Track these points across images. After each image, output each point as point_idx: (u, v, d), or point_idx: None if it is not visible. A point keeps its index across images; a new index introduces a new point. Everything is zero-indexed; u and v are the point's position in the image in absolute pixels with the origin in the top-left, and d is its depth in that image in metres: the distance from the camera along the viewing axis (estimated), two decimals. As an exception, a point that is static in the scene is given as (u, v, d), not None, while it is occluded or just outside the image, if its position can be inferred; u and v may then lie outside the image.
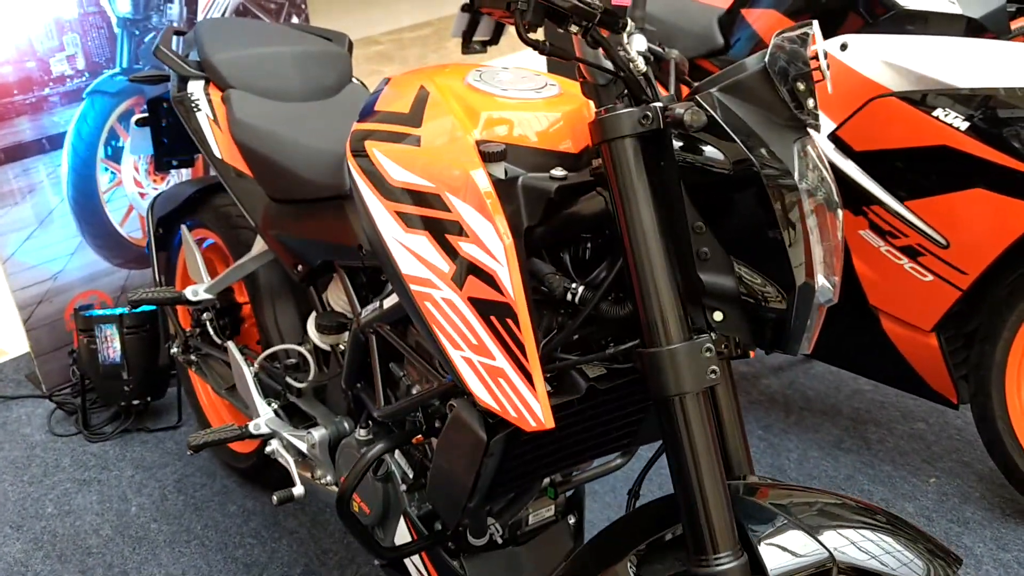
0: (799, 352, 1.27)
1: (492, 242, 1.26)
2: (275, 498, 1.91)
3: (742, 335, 1.26)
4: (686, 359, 1.20)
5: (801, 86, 1.21)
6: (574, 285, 1.33)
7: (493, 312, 1.28)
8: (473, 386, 1.32)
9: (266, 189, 1.93)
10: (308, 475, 1.99)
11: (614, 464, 1.85)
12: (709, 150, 1.21)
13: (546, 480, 1.75)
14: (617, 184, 1.22)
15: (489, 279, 1.27)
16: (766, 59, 1.19)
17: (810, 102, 1.23)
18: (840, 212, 1.27)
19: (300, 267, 1.92)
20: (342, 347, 1.92)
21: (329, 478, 1.94)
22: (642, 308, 1.23)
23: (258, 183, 1.94)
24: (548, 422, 1.26)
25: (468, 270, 1.29)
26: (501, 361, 1.28)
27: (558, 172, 1.35)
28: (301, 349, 2.05)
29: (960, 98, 1.93)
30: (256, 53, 2.09)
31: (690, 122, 1.16)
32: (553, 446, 1.52)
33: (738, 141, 1.18)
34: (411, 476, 1.73)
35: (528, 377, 1.26)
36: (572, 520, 1.82)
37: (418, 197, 1.33)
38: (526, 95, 1.45)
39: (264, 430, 2.05)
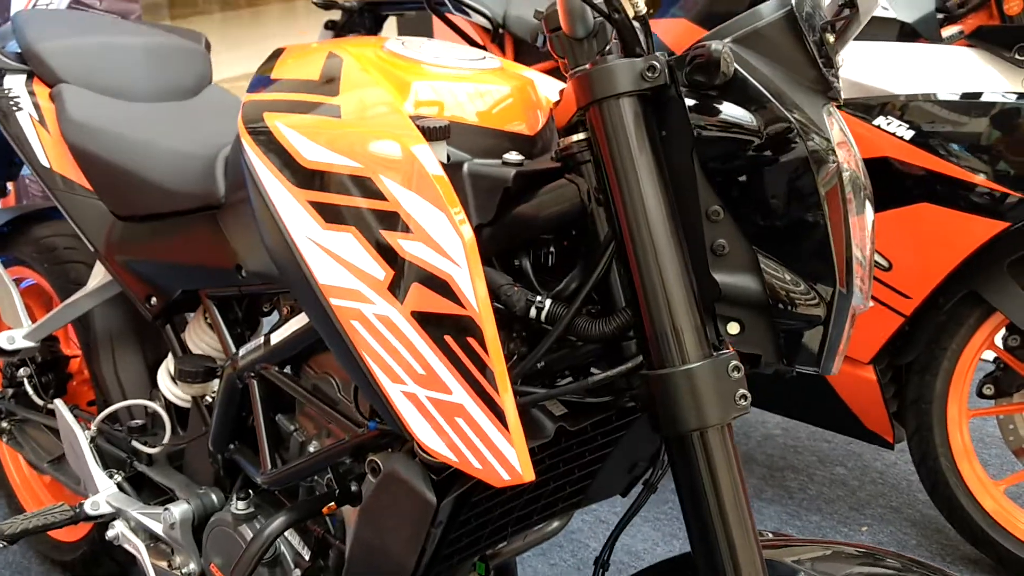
0: (833, 370, 1.02)
1: (445, 237, 0.95)
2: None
3: (765, 351, 0.99)
4: (709, 381, 0.93)
5: (830, 38, 0.98)
6: (539, 298, 1.03)
7: (448, 330, 0.96)
8: (418, 430, 0.99)
9: (110, 204, 1.54)
10: (164, 564, 1.58)
11: (551, 528, 1.54)
12: (726, 115, 0.95)
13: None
14: (612, 158, 0.95)
15: (442, 287, 0.95)
16: (792, 2, 0.95)
17: (839, 59, 1.00)
18: (871, 203, 1.04)
19: (154, 300, 1.54)
20: (209, 398, 1.54)
21: (193, 566, 1.53)
22: (648, 317, 0.95)
23: (99, 197, 1.55)
24: (528, 474, 0.95)
25: (412, 276, 0.97)
26: (460, 395, 0.96)
27: (513, 156, 1.06)
28: (152, 405, 1.64)
29: (902, 106, 1.78)
30: (96, 43, 1.71)
31: (725, 69, 0.90)
32: (506, 507, 1.21)
33: (772, 98, 0.93)
34: (306, 558, 1.36)
35: (498, 414, 0.95)
36: None
37: (341, 182, 1.00)
38: (463, 65, 1.16)
39: (105, 509, 1.62)
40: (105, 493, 1.63)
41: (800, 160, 0.93)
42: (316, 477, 1.32)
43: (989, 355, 2.04)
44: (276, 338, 1.32)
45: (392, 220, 0.98)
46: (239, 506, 1.41)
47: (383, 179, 0.98)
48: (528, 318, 1.03)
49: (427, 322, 0.97)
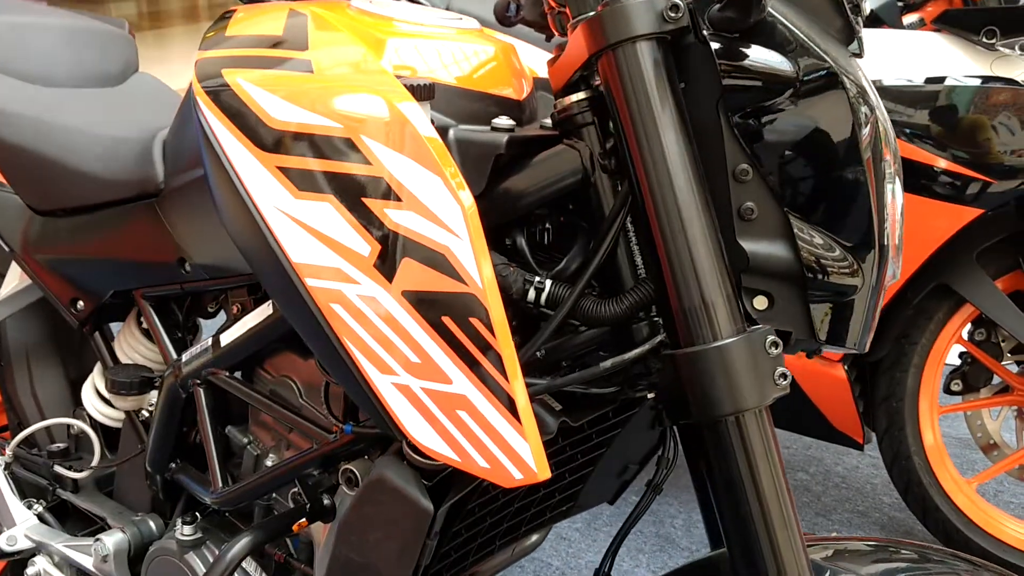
0: (865, 347, 0.92)
1: (441, 204, 0.83)
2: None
3: (796, 327, 0.89)
4: (745, 359, 0.83)
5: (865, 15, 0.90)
6: (538, 279, 0.92)
7: (446, 310, 0.84)
8: (412, 427, 0.86)
9: (28, 198, 1.37)
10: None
11: (530, 542, 1.41)
12: (755, 60, 0.86)
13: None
14: (630, 112, 0.84)
15: (438, 261, 0.83)
16: None
17: (865, 6, 0.92)
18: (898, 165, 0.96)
19: (81, 304, 1.37)
20: (145, 412, 1.37)
21: (129, 601, 1.36)
22: (674, 290, 0.84)
23: (14, 190, 1.38)
24: (543, 472, 0.83)
25: (402, 251, 0.84)
26: (462, 384, 0.84)
27: (503, 121, 0.95)
28: (77, 423, 1.47)
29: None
30: (8, 23, 1.54)
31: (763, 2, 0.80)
32: (498, 516, 1.08)
33: (808, 41, 0.84)
34: (265, 584, 1.21)
35: (507, 405, 0.83)
36: None
37: (316, 144, 0.87)
38: (442, 23, 1.04)
39: (24, 544, 1.43)
40: (23, 526, 1.44)
41: (842, 109, 0.84)
42: (276, 494, 1.18)
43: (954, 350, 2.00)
44: (227, 339, 1.17)
45: (377, 186, 0.85)
46: (185, 531, 1.24)
47: (365, 140, 0.86)
48: (526, 301, 0.92)
49: (421, 302, 0.84)
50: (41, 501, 1.48)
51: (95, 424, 1.50)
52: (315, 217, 0.87)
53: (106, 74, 1.60)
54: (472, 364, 0.83)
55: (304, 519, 1.04)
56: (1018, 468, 2.00)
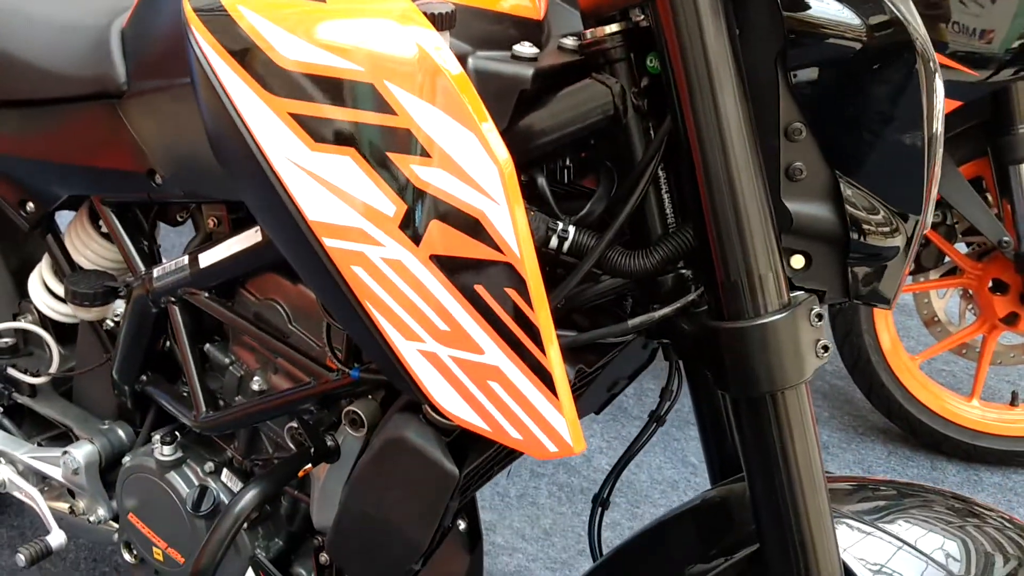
0: (893, 305, 0.91)
1: (475, 163, 0.76)
2: (21, 558, 1.27)
3: (831, 287, 0.87)
4: (790, 334, 0.80)
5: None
6: (561, 226, 0.86)
7: (479, 278, 0.78)
8: (438, 395, 0.82)
9: (-40, 87, 1.23)
10: (64, 507, 1.36)
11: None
12: (819, 10, 0.79)
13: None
14: (684, 58, 0.77)
15: (471, 226, 0.77)
16: None
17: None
18: None
19: (31, 206, 1.26)
20: (110, 323, 1.29)
21: (102, 512, 1.33)
22: (720, 260, 0.80)
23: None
24: (579, 445, 0.81)
25: (431, 212, 0.78)
26: (494, 355, 0.79)
27: (525, 49, 0.86)
28: (30, 327, 1.38)
29: None
30: None
31: None
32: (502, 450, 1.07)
33: (881, -6, 0.77)
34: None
35: (543, 377, 0.79)
36: (463, 525, 1.37)
37: (333, 89, 0.78)
38: None
39: (-17, 452, 1.37)
40: (-19, 434, 1.37)
41: (908, 67, 0.78)
42: (269, 427, 1.13)
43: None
44: (207, 260, 1.10)
45: (404, 140, 0.77)
46: (164, 452, 1.20)
47: (390, 86, 0.77)
48: (547, 248, 0.86)
49: (452, 268, 0.79)
50: (-3, 408, 1.41)
51: (45, 321, 1.41)
52: (334, 172, 0.79)
53: None
54: (506, 335, 0.78)
55: (310, 464, 1.00)
56: (960, 346, 2.08)
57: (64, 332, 1.42)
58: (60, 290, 1.34)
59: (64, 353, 1.38)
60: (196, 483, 1.20)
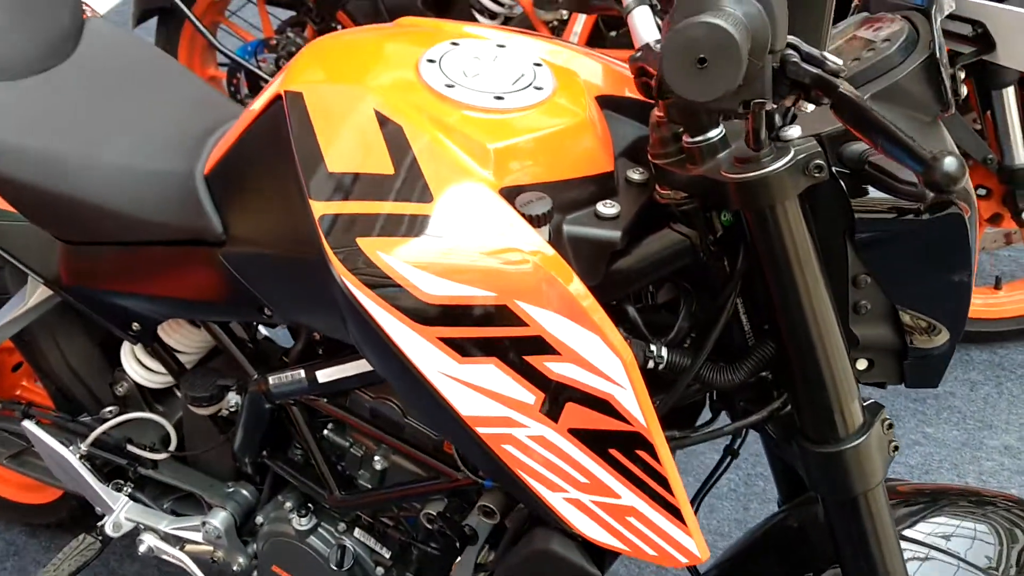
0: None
1: (601, 359, 0.90)
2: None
3: (889, 379, 1.04)
4: (871, 450, 0.97)
5: (961, 73, 0.94)
6: (654, 349, 1.01)
7: (612, 444, 0.94)
8: (582, 527, 1.00)
9: (52, 232, 1.31)
10: (207, 557, 1.54)
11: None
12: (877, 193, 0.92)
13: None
14: (775, 256, 0.90)
15: (601, 405, 0.92)
16: (936, 50, 0.89)
17: (963, 89, 0.96)
18: None
19: (137, 326, 1.37)
20: (225, 412, 1.42)
21: (242, 560, 1.51)
22: (803, 392, 0.96)
23: (34, 224, 1.31)
24: (704, 554, 0.99)
25: (566, 397, 0.93)
26: (630, 499, 0.96)
27: (608, 209, 0.98)
28: (147, 415, 1.51)
29: None
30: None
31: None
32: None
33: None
34: (387, 556, 1.37)
35: (675, 514, 0.97)
36: None
37: (473, 314, 0.91)
38: (522, 97, 1.02)
39: (129, 527, 1.54)
40: (122, 511, 1.53)
41: (958, 228, 0.92)
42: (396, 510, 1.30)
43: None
44: (326, 377, 1.23)
45: (537, 344, 0.91)
46: (301, 522, 1.38)
47: (520, 304, 0.90)
48: (644, 371, 1.02)
49: (588, 438, 0.94)
50: (127, 483, 1.56)
51: (143, 389, 1.55)
52: (481, 377, 0.93)
53: (61, 37, 1.44)
54: (639, 484, 0.95)
55: (458, 557, 1.19)
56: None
57: (155, 395, 1.57)
58: (150, 362, 1.48)
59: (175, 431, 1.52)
60: (333, 542, 1.38)
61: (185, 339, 1.45)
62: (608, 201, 0.99)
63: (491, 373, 0.93)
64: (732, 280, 0.98)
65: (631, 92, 1.13)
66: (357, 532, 1.39)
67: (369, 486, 1.32)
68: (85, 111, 1.32)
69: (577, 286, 0.90)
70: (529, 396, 0.93)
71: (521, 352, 0.91)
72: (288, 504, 1.41)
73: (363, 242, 0.92)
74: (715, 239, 0.98)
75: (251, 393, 1.33)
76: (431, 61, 1.04)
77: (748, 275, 0.98)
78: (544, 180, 0.98)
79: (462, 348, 0.92)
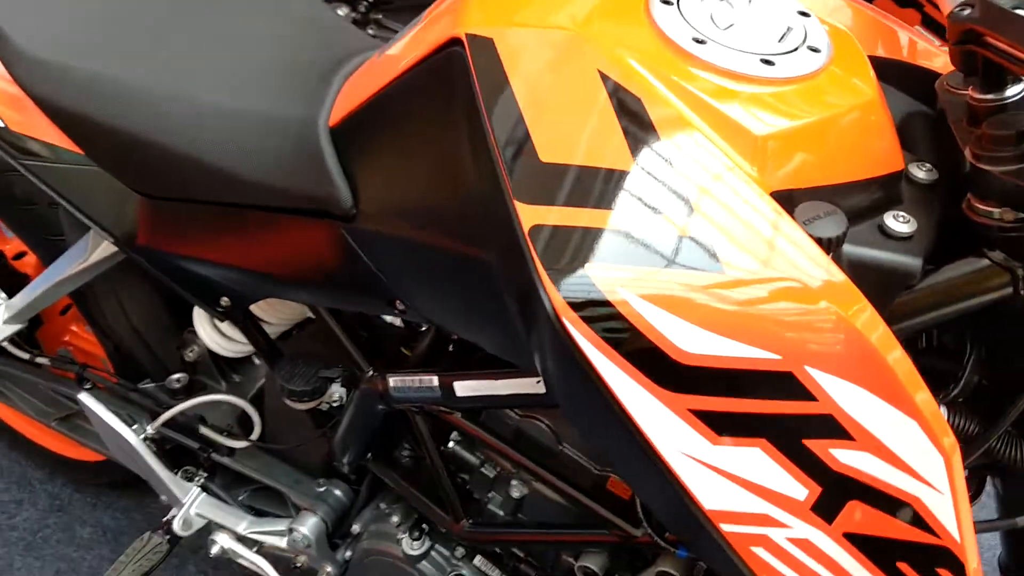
0: None
1: (913, 451, 0.65)
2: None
3: None
4: None
5: None
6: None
7: (904, 557, 0.69)
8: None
9: (127, 180, 1.05)
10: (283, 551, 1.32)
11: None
12: None
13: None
14: None
15: (898, 508, 0.67)
16: None
17: None
18: None
19: (227, 301, 1.11)
20: (324, 406, 1.18)
21: (330, 569, 1.29)
22: None
23: (111, 174, 1.05)
24: None
25: (849, 493, 0.67)
26: (914, 621, 0.72)
27: (900, 224, 0.72)
28: (236, 401, 1.27)
29: None
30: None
31: None
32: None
33: None
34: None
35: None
36: None
37: (744, 381, 0.64)
38: (796, 62, 0.74)
39: (199, 524, 1.31)
40: (193, 505, 1.30)
41: None
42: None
43: None
44: (465, 391, 0.99)
45: (823, 425, 0.65)
46: (413, 546, 1.15)
47: (810, 371, 0.64)
48: None
49: (870, 547, 0.69)
50: (199, 471, 1.33)
51: (215, 356, 1.32)
52: (739, 464, 0.67)
53: None
54: (931, 607, 0.70)
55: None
56: None
57: (228, 363, 1.34)
58: (229, 329, 1.24)
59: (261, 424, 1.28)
60: (449, 570, 1.16)
61: (277, 312, 1.20)
62: (900, 214, 0.73)
63: (754, 458, 0.67)
64: None
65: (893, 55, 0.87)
66: (478, 560, 1.16)
67: (500, 512, 1.08)
68: (174, 31, 1.04)
69: (895, 352, 0.63)
70: (801, 490, 0.68)
71: (801, 435, 0.66)
72: (395, 519, 1.18)
73: (596, 272, 0.65)
74: None
75: (363, 390, 1.09)
76: (666, 2, 0.76)
77: None
78: (822, 183, 0.72)
79: (720, 425, 0.66)
